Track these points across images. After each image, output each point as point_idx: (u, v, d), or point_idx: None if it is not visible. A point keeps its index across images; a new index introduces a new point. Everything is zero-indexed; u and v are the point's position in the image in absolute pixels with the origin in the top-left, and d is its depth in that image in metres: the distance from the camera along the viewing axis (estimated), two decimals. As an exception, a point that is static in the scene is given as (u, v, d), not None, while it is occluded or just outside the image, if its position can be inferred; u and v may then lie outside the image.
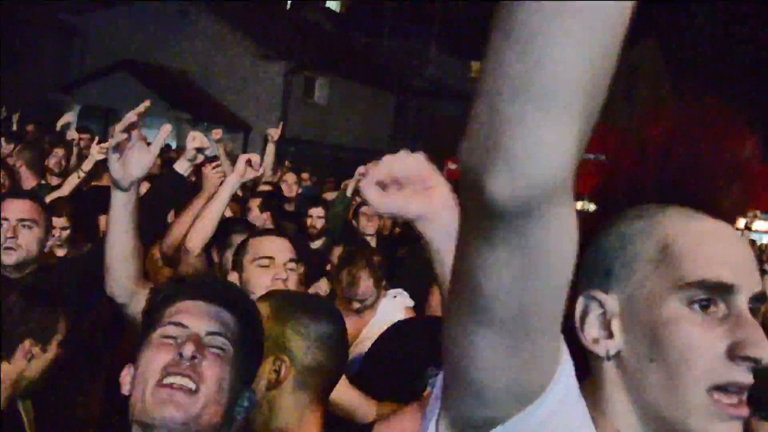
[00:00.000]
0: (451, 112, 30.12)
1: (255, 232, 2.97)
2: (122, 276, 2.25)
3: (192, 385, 1.43)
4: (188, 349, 1.43)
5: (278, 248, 2.77)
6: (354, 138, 25.22)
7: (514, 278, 0.77)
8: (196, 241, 3.47)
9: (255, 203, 5.21)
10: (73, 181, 5.29)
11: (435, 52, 27.75)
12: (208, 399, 1.44)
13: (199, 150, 3.22)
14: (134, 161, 2.18)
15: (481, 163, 0.71)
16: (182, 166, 3.20)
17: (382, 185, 1.31)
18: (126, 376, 1.51)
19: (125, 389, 1.50)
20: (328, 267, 4.79)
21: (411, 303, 4.09)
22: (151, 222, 3.14)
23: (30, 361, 2.30)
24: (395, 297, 4.02)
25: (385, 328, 3.92)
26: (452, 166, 17.53)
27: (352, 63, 25.01)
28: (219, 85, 21.29)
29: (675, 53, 31.34)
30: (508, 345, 0.82)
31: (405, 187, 1.31)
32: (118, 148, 2.17)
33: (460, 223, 0.84)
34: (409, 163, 1.31)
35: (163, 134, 2.39)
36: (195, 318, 1.50)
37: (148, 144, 2.27)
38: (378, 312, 3.89)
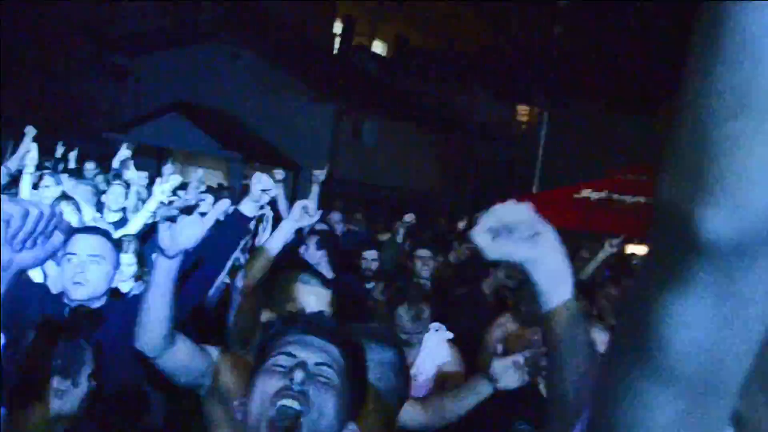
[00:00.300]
0: (497, 154, 30.15)
1: (300, 275, 2.85)
2: (154, 335, 2.27)
3: (299, 407, 1.52)
4: (298, 376, 1.54)
5: (326, 303, 2.78)
6: (402, 179, 25.30)
7: (709, 332, 0.68)
8: (246, 282, 3.50)
9: (312, 241, 5.23)
10: (138, 219, 5.40)
11: (482, 95, 27.85)
12: (312, 424, 1.53)
13: (264, 191, 3.24)
14: (184, 232, 2.18)
15: (689, 195, 0.62)
16: (248, 207, 3.22)
17: (494, 232, 1.43)
18: (239, 405, 1.61)
19: (238, 416, 1.62)
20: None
21: (450, 335, 4.18)
22: (217, 261, 3.16)
23: (62, 398, 2.25)
24: (437, 330, 4.04)
25: (432, 362, 3.97)
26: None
27: (400, 105, 25.20)
28: (269, 126, 21.57)
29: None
30: (688, 409, 0.73)
31: (513, 233, 1.42)
32: (170, 219, 2.19)
33: (642, 271, 0.74)
34: (516, 211, 1.43)
35: (219, 209, 2.39)
36: (304, 349, 1.61)
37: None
38: (423, 346, 3.92)
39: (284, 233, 3.54)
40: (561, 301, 1.46)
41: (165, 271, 2.18)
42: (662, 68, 29.68)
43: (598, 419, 0.81)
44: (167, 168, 9.62)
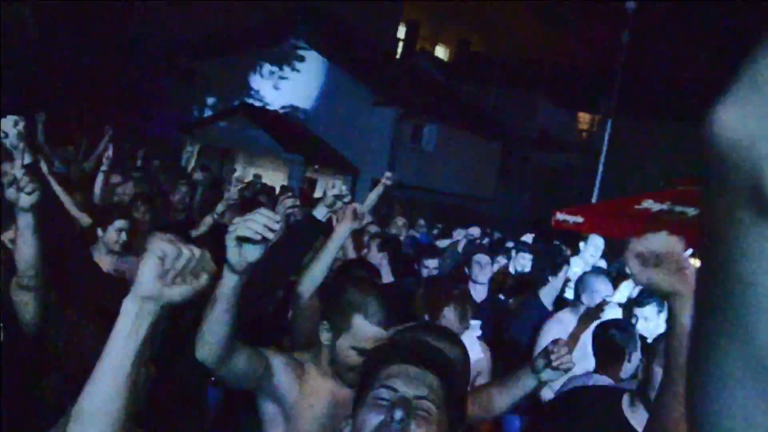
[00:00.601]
0: (557, 162, 29.88)
1: (367, 306, 2.64)
2: (215, 347, 2.27)
3: None
4: (398, 414, 1.60)
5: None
6: (460, 185, 25.28)
7: None
8: (306, 287, 3.54)
9: (374, 243, 5.31)
10: (207, 221, 5.53)
11: (542, 102, 27.66)
12: None
13: (338, 197, 3.29)
14: (251, 248, 2.11)
15: None
16: (321, 212, 3.28)
17: (643, 258, 1.51)
18: (345, 427, 1.70)
19: None
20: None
21: (479, 332, 4.27)
22: (288, 264, 3.22)
23: None
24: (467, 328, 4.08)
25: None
26: (559, 216, 17.33)
27: (460, 111, 25.19)
28: (330, 129, 21.78)
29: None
30: None
31: (661, 263, 1.49)
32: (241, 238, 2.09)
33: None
34: (669, 244, 1.49)
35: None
36: (405, 383, 1.66)
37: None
38: None
39: (339, 238, 3.57)
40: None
41: (232, 287, 2.15)
42: (730, 77, 29.00)
43: (692, 407, 0.69)
44: (231, 170, 9.84)
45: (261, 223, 2.01)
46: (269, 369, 2.55)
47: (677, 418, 1.57)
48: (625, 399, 2.93)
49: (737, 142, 0.52)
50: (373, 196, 6.16)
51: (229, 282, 2.14)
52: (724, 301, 0.58)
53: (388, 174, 5.82)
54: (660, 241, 1.50)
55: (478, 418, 2.88)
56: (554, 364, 2.75)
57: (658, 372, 2.81)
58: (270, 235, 2.03)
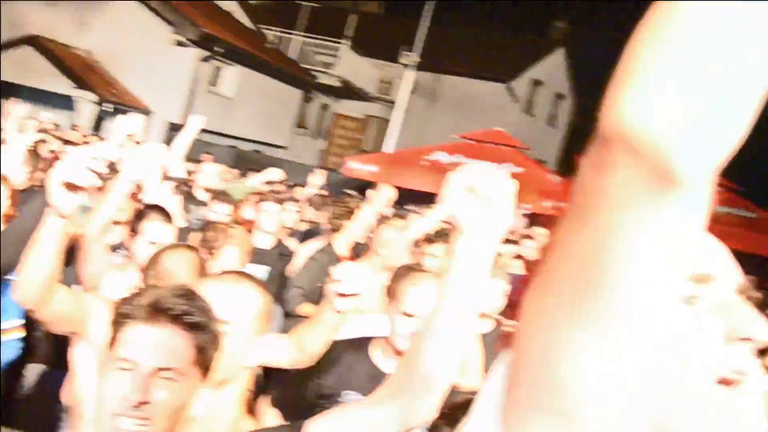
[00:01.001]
0: (356, 111, 30.40)
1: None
2: (35, 288, 2.20)
3: (144, 428, 1.50)
4: (137, 397, 1.50)
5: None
6: (257, 131, 25.13)
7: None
8: (91, 228, 3.50)
9: (166, 186, 5.35)
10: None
11: (346, 51, 27.93)
12: (162, 428, 1.53)
13: (129, 136, 3.30)
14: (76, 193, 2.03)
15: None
16: (108, 150, 3.26)
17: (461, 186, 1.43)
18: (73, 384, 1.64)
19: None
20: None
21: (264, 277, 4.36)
22: None
23: None
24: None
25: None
26: (351, 164, 17.79)
27: (263, 56, 24.94)
28: (128, 68, 20.89)
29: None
30: None
31: (474, 194, 1.41)
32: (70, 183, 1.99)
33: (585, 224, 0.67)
34: (493, 180, 1.40)
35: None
36: (146, 351, 1.54)
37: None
38: None
39: (123, 187, 3.49)
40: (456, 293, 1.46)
41: (58, 228, 2.07)
42: (524, 35, 30.78)
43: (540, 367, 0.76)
44: (14, 106, 9.31)
45: (86, 167, 1.93)
46: (87, 311, 2.58)
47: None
48: (373, 345, 3.06)
49: (644, 129, 0.56)
50: (182, 144, 5.86)
51: (53, 225, 2.06)
52: (590, 277, 0.67)
53: (194, 118, 5.55)
54: (485, 176, 1.40)
55: (299, 362, 2.83)
56: (341, 290, 2.59)
57: (399, 318, 2.94)
58: (98, 183, 1.96)
